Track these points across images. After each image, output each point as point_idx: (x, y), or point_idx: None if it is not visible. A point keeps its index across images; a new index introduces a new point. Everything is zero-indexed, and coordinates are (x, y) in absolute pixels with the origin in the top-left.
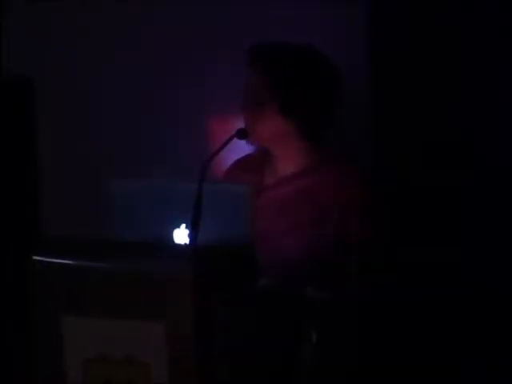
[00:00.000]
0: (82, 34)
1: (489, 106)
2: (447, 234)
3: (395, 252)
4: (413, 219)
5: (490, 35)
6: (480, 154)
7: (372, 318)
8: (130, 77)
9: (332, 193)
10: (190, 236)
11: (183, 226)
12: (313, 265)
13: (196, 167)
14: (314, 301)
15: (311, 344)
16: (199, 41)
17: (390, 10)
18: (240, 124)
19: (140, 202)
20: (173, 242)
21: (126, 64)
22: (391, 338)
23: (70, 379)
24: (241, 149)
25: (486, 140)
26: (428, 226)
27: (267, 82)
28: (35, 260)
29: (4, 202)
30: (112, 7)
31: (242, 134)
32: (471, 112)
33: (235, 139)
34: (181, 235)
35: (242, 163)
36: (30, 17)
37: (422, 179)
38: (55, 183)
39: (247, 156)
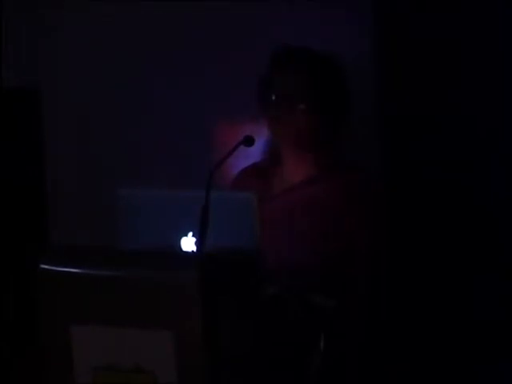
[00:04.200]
0: (83, 41)
1: (503, 105)
2: (460, 238)
3: (403, 258)
4: (425, 225)
5: (491, 37)
6: (495, 155)
7: (379, 325)
8: (134, 84)
9: (341, 200)
10: (198, 244)
11: (190, 233)
12: (320, 272)
13: (203, 175)
14: (321, 308)
15: (319, 351)
16: (205, 46)
17: (395, 10)
18: (247, 131)
19: (147, 211)
20: (180, 249)
21: (130, 71)
22: (398, 343)
23: None
24: (248, 156)
25: (501, 141)
26: (440, 231)
27: (295, 89)
28: (42, 269)
29: (12, 211)
30: (114, 13)
31: (248, 142)
32: (482, 112)
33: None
34: (188, 243)
35: (250, 171)
36: (31, 26)
37: (434, 185)
38: (62, 192)
39: (254, 164)
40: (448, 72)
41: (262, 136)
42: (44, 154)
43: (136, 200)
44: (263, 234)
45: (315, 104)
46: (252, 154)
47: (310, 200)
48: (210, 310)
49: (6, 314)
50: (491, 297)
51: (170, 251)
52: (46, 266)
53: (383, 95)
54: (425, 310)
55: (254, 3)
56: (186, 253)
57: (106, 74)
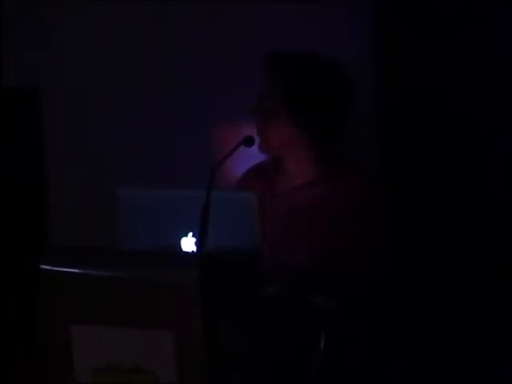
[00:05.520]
0: (83, 41)
1: (503, 105)
2: (460, 238)
3: (403, 258)
4: (425, 225)
5: (491, 37)
6: (495, 155)
7: (379, 325)
8: (134, 84)
9: (341, 200)
10: (198, 244)
11: (190, 234)
12: (321, 272)
13: (203, 175)
14: (321, 308)
15: (319, 351)
16: (205, 46)
17: (395, 10)
18: (248, 131)
19: (147, 211)
20: (180, 250)
21: (130, 71)
22: (398, 343)
23: None
24: (251, 156)
25: (501, 141)
26: (440, 231)
27: (280, 91)
28: (42, 269)
29: (12, 211)
30: (114, 13)
31: (249, 142)
32: (482, 112)
33: (242, 146)
34: (188, 243)
35: (254, 172)
36: (31, 27)
37: (434, 185)
38: (62, 192)
39: (260, 164)
40: (448, 72)
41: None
42: (44, 154)
43: (136, 200)
44: (266, 234)
45: (297, 113)
46: (252, 155)
47: (311, 200)
48: (210, 310)
49: (6, 313)
50: (491, 297)
51: (170, 251)
52: (46, 266)
53: (383, 95)
54: (425, 309)
55: (254, 3)
56: (186, 253)
57: (105, 74)
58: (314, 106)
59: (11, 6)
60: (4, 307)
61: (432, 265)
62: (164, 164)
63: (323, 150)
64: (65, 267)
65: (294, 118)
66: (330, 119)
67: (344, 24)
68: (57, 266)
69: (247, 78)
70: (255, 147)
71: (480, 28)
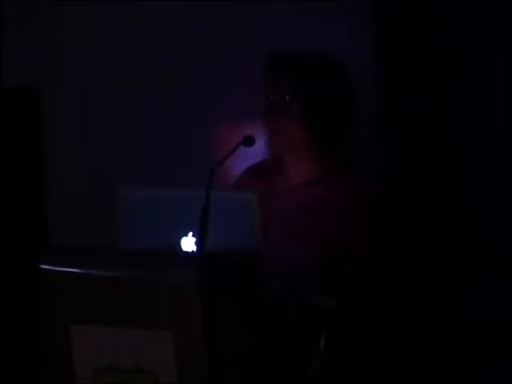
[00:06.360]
0: (83, 41)
1: (503, 105)
2: (460, 238)
3: (403, 258)
4: (425, 225)
5: (491, 37)
6: (495, 155)
7: (379, 325)
8: (134, 84)
9: (342, 201)
10: (198, 244)
11: (190, 233)
12: (321, 272)
13: (203, 175)
14: (321, 308)
15: (319, 351)
16: (205, 46)
17: (395, 10)
18: (248, 131)
19: (147, 211)
20: (180, 249)
21: (131, 71)
22: (398, 343)
23: None
24: (251, 156)
25: (501, 141)
26: (440, 231)
27: (280, 91)
28: (42, 269)
29: (12, 212)
30: (114, 13)
31: (249, 142)
32: (482, 112)
33: (242, 146)
34: (188, 243)
35: (254, 170)
36: (31, 27)
37: (434, 185)
38: (62, 192)
39: (259, 162)
40: (448, 72)
41: (262, 136)
42: (44, 154)
43: (136, 200)
44: (266, 233)
45: (310, 108)
46: (252, 154)
47: (311, 200)
48: (210, 310)
49: (6, 313)
50: (491, 297)
51: (170, 251)
52: (46, 266)
53: (383, 95)
54: (425, 310)
55: (254, 3)
56: (186, 253)
57: (105, 74)
58: (314, 106)
59: (11, 5)
60: (4, 307)
61: (432, 265)
62: (164, 164)
63: (324, 149)
64: (65, 267)
65: (294, 117)
66: (331, 119)
67: (344, 24)
68: (57, 266)
69: (247, 78)
70: (255, 147)
71: (480, 28)
